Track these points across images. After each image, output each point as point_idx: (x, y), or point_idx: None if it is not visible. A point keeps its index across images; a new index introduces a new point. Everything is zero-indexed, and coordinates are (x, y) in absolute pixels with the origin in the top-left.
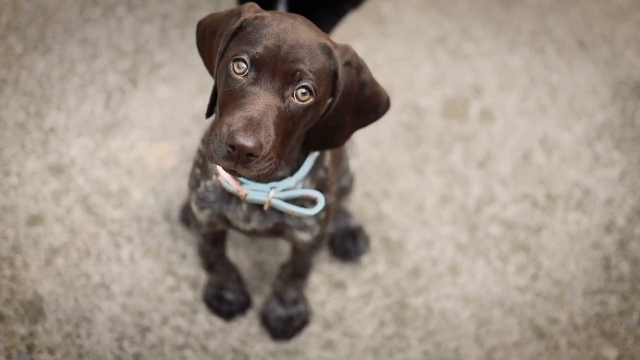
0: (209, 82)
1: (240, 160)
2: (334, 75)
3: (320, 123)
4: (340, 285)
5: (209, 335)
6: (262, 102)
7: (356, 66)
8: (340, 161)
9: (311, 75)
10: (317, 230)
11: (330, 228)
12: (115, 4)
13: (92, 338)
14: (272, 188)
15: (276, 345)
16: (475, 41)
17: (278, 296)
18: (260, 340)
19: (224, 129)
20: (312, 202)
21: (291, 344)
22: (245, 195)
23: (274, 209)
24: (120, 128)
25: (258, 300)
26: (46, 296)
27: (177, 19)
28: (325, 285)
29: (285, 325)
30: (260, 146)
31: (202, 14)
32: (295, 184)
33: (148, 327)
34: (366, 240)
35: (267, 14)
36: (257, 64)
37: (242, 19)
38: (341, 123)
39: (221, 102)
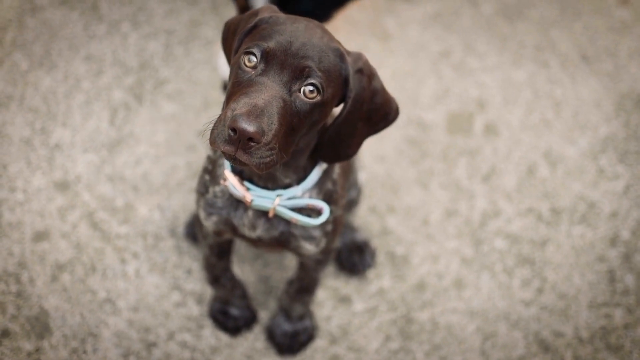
0: (213, 98)
1: (241, 145)
2: (345, 80)
3: (333, 131)
4: (345, 300)
5: (215, 350)
6: (268, 92)
7: (368, 74)
8: (349, 174)
9: (320, 74)
10: (323, 242)
11: (338, 243)
12: (120, 21)
13: (99, 353)
14: (278, 196)
15: None
16: (480, 56)
17: (284, 312)
18: (266, 355)
19: (228, 113)
20: (318, 212)
21: (297, 359)
22: (251, 201)
23: (280, 218)
24: (126, 144)
25: (264, 315)
26: (52, 312)
27: (182, 35)
28: (331, 300)
29: (291, 341)
30: (261, 132)
31: (206, 30)
32: (301, 193)
33: (154, 342)
34: (373, 254)
35: (282, 14)
36: (267, 57)
37: (257, 18)
38: (353, 131)
39: (229, 93)
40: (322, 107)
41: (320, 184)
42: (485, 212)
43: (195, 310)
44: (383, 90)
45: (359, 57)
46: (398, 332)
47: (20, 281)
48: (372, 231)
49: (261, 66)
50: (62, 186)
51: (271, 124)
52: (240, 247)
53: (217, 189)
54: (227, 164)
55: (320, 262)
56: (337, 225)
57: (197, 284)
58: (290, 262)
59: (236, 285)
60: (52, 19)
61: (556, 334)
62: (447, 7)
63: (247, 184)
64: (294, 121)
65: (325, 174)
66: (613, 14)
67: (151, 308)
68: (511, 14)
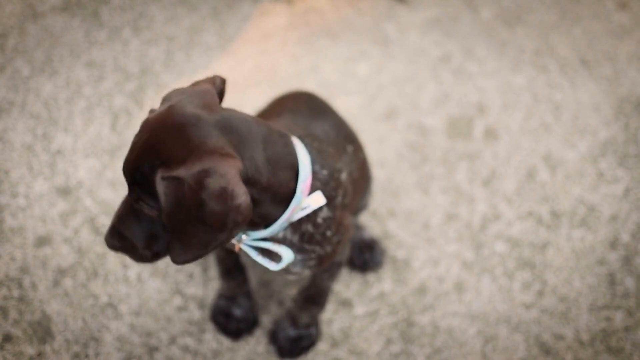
0: None
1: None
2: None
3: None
4: (346, 304)
5: (216, 354)
6: (122, 212)
7: (191, 184)
8: (360, 194)
9: (144, 199)
10: (306, 273)
11: (345, 255)
12: (121, 27)
13: (101, 358)
14: (244, 234)
15: None
16: (479, 61)
17: (291, 318)
18: (267, 358)
19: None
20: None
21: None
22: None
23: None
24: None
25: (265, 320)
26: (54, 316)
27: (183, 41)
28: (332, 304)
29: (293, 345)
30: (119, 248)
31: (207, 36)
32: (269, 235)
33: (156, 346)
34: (382, 251)
35: (152, 115)
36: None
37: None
38: (183, 234)
39: None
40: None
41: (296, 225)
42: (486, 215)
43: (197, 314)
44: (220, 199)
45: (191, 165)
46: (399, 336)
47: (22, 286)
48: (373, 235)
49: None
50: (64, 191)
51: (132, 238)
52: (241, 253)
53: None
54: None
55: (327, 270)
56: (340, 243)
57: (199, 288)
58: None
59: (245, 280)
60: (53, 25)
61: (557, 336)
62: (447, 12)
63: None
64: (154, 230)
65: (307, 217)
66: (612, 19)
67: (153, 312)
68: (510, 19)
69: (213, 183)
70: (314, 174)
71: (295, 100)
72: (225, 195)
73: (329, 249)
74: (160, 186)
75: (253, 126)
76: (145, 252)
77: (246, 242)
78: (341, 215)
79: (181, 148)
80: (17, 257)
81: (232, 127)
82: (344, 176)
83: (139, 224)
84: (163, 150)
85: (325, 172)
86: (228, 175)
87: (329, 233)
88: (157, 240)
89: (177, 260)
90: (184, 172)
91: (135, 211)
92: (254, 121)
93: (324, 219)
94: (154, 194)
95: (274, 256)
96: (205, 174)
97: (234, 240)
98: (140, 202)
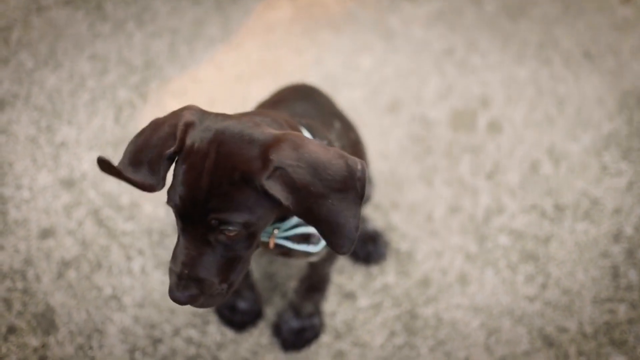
0: (217, 96)
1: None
2: (265, 191)
3: (316, 228)
4: (350, 296)
5: (220, 346)
6: (190, 251)
7: (290, 163)
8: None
9: (229, 219)
10: (324, 252)
11: None
12: (125, 20)
13: (104, 350)
14: (275, 228)
15: (287, 356)
16: (482, 54)
17: (294, 309)
18: (271, 350)
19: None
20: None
21: (302, 355)
22: None
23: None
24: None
25: (269, 312)
26: (58, 308)
27: (186, 34)
28: (336, 296)
29: (297, 337)
30: (196, 297)
31: (210, 29)
32: (297, 221)
33: (160, 338)
34: (386, 244)
35: (188, 142)
36: (178, 214)
37: (178, 139)
38: (329, 214)
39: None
40: (253, 229)
41: None
42: (489, 208)
43: None
44: (321, 154)
45: (277, 154)
46: (402, 328)
47: (26, 278)
48: (377, 227)
49: (178, 221)
50: (68, 184)
51: (204, 282)
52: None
53: None
54: None
55: (327, 259)
56: None
57: None
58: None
59: (249, 274)
60: (57, 18)
61: (560, 329)
62: (451, 5)
63: None
64: (230, 255)
65: None
66: (616, 12)
67: (157, 304)
68: (514, 12)
69: (305, 147)
70: None
71: (284, 90)
72: (327, 148)
73: None
74: (273, 185)
75: (273, 116)
76: (222, 287)
77: (279, 236)
78: None
79: (252, 149)
80: (21, 249)
81: (265, 120)
82: (336, 145)
83: (213, 256)
84: (237, 161)
85: (324, 143)
86: (305, 139)
87: None
88: (232, 265)
89: (345, 248)
90: (276, 159)
91: (207, 244)
92: (267, 113)
93: None
94: (238, 207)
95: (306, 240)
96: (292, 147)
97: (266, 238)
98: (220, 227)
